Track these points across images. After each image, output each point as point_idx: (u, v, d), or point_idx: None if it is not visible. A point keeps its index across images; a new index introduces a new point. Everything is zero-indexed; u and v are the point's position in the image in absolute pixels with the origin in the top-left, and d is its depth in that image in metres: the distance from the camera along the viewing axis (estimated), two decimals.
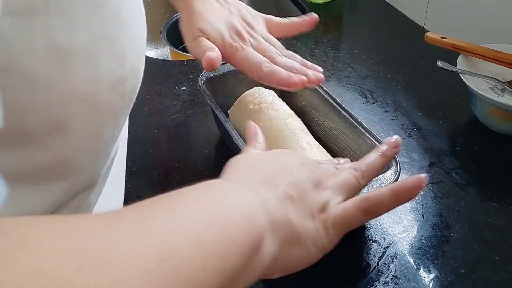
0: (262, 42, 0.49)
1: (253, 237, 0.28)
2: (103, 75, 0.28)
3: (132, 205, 0.25)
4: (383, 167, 0.40)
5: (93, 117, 0.29)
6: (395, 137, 0.41)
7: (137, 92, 0.35)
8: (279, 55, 0.48)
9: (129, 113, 0.36)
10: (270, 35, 0.51)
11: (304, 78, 0.45)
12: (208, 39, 0.47)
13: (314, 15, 0.53)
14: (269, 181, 0.33)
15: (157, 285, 0.20)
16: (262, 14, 0.53)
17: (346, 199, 0.35)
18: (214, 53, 0.45)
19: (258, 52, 0.48)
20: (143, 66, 0.35)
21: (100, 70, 0.28)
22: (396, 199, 0.34)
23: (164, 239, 0.23)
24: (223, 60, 0.47)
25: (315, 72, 0.47)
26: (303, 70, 0.46)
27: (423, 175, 0.34)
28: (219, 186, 0.31)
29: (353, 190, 0.37)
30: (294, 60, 0.48)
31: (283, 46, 0.50)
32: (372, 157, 0.39)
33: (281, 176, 0.33)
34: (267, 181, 0.33)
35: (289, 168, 0.35)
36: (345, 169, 0.38)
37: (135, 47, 0.31)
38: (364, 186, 0.38)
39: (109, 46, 0.28)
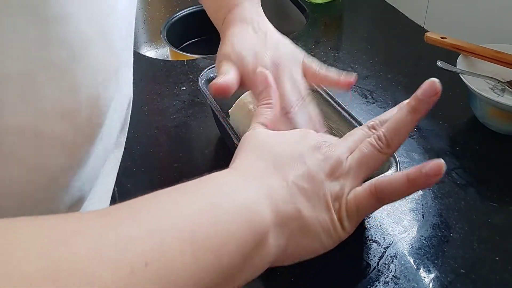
0: (283, 87, 0.45)
1: (255, 232, 0.27)
2: (46, 106, 0.26)
3: (129, 201, 0.25)
4: (414, 126, 0.34)
5: (35, 148, 0.27)
6: (433, 80, 0.33)
7: (102, 121, 0.32)
8: (292, 107, 0.44)
9: (95, 144, 0.32)
10: (301, 79, 0.47)
11: None
12: (231, 63, 0.46)
13: (352, 78, 0.47)
14: (279, 168, 0.32)
15: (144, 286, 0.20)
16: (303, 56, 0.49)
17: (366, 177, 0.34)
18: (222, 79, 0.42)
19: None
20: (109, 94, 0.32)
21: (41, 100, 0.25)
22: (412, 186, 0.32)
23: (152, 237, 0.22)
24: (242, 87, 0.45)
25: None
26: None
27: (442, 161, 0.30)
28: (222, 179, 0.31)
29: (376, 164, 0.35)
30: (306, 115, 0.45)
31: (307, 95, 0.46)
32: (399, 115, 0.34)
33: (292, 164, 0.32)
34: (276, 168, 0.32)
35: (301, 155, 0.33)
36: (366, 140, 0.35)
37: (90, 76, 0.29)
38: (392, 153, 0.35)
39: (53, 75, 0.26)
